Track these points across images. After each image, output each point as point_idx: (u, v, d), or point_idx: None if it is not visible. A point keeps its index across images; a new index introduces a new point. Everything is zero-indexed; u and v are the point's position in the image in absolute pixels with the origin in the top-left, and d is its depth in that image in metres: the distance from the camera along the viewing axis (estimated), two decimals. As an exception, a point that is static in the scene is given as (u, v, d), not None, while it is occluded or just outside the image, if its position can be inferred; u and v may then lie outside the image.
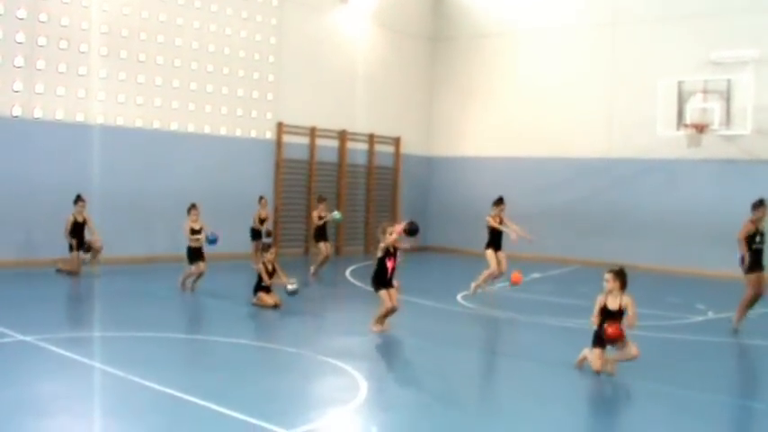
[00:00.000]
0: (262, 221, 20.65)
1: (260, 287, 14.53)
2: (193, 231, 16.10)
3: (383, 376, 10.04)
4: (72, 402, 8.10)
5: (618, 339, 9.97)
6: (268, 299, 14.33)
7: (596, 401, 9.44)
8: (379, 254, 12.58)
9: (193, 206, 16.40)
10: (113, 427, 7.40)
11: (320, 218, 19.56)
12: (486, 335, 13.80)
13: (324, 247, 19.28)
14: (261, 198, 20.90)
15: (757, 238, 13.53)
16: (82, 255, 17.40)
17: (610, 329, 9.94)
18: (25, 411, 7.67)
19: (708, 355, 12.24)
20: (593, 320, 10.26)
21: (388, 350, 11.41)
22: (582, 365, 10.26)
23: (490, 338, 13.57)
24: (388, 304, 12.35)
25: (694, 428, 8.25)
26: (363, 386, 9.06)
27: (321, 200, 20.29)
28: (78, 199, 17.39)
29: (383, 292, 12.42)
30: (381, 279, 12.50)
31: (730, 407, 9.43)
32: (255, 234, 20.53)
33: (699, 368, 11.25)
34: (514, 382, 10.05)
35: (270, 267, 14.61)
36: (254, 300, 14.46)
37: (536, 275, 21.04)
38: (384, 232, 12.62)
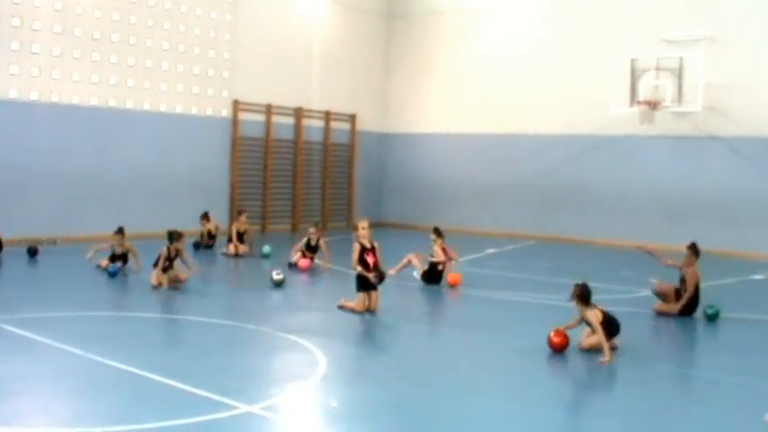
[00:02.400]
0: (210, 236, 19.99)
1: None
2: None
3: (342, 352, 10.15)
4: (32, 382, 8.12)
5: (560, 349, 10.08)
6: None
7: (552, 371, 9.63)
8: (355, 254, 12.56)
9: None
10: (75, 406, 7.45)
11: (239, 232, 19.22)
12: (442, 310, 13.97)
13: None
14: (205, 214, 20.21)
15: None
16: None
17: (554, 339, 10.10)
18: (-14, 391, 7.72)
19: (653, 327, 12.52)
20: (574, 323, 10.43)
21: (346, 326, 11.52)
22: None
23: (446, 313, 13.75)
24: (360, 308, 12.30)
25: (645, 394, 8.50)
26: (323, 361, 9.20)
27: (240, 212, 20.13)
28: None
29: (362, 295, 12.39)
30: (364, 279, 12.43)
31: (670, 375, 9.70)
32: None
33: (643, 339, 11.56)
34: (471, 356, 10.21)
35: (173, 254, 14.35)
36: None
37: (492, 251, 21.23)
38: (355, 229, 12.78)
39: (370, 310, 12.35)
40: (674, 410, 8.25)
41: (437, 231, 15.86)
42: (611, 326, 10.22)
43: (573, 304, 10.35)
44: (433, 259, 15.45)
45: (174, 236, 14.39)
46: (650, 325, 12.64)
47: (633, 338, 10.77)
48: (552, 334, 10.14)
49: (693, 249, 13.24)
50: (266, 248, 18.80)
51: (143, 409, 7.32)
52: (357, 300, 12.36)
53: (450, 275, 15.31)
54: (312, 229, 17.73)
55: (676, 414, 8.16)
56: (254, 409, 7.38)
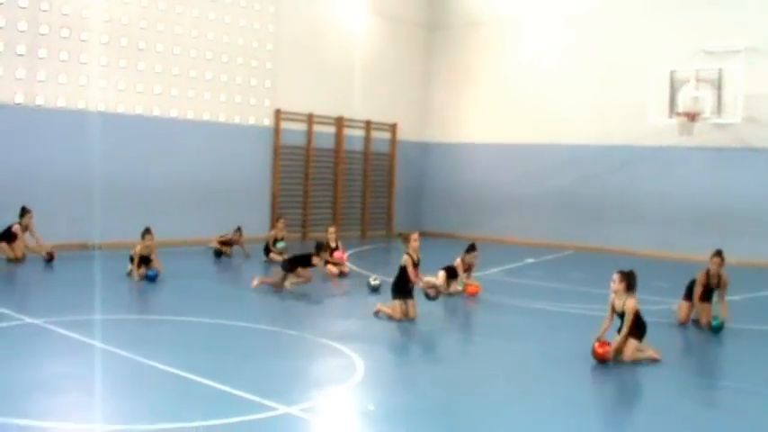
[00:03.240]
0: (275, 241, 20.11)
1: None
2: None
3: (380, 357, 10.38)
4: (81, 381, 8.45)
5: (603, 360, 10.14)
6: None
7: (591, 384, 9.78)
8: (403, 263, 12.67)
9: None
10: (121, 404, 7.74)
11: (275, 240, 19.52)
12: (478, 319, 14.12)
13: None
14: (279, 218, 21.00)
15: None
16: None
17: (599, 350, 10.17)
18: (39, 389, 8.05)
19: (686, 338, 12.61)
20: (606, 322, 10.55)
21: (385, 333, 11.72)
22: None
23: (485, 323, 13.86)
24: (398, 315, 12.45)
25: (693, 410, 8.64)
26: (361, 366, 9.42)
27: (278, 218, 20.57)
28: (24, 211, 17.33)
29: (398, 302, 12.56)
30: (401, 286, 12.60)
31: (706, 387, 9.81)
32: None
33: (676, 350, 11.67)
34: (507, 364, 10.36)
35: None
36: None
37: (530, 260, 21.34)
38: (407, 240, 12.78)
39: (408, 318, 12.52)
40: (709, 420, 8.38)
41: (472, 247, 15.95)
42: (640, 325, 10.39)
43: (613, 290, 10.48)
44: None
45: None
46: (683, 336, 12.73)
47: (666, 349, 10.88)
48: (596, 345, 10.21)
49: (720, 255, 13.41)
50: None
51: (186, 408, 7.59)
52: (394, 306, 12.54)
53: (469, 287, 15.42)
54: (332, 229, 17.81)
55: (712, 424, 8.29)
56: (293, 410, 7.62)
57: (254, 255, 19.65)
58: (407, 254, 12.65)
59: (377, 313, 12.72)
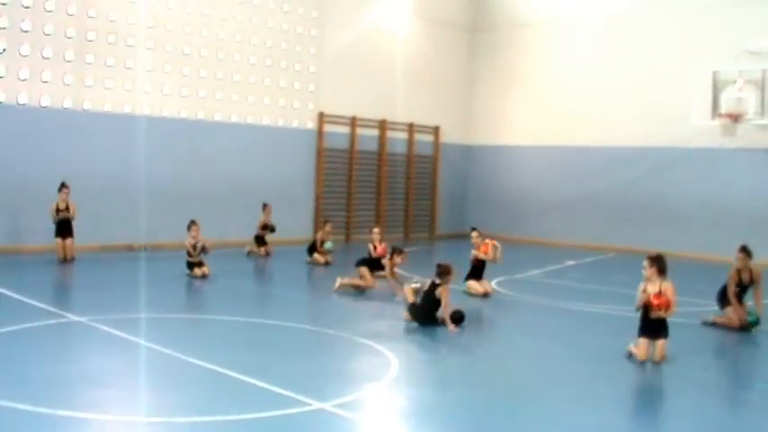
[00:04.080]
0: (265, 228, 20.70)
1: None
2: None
3: (415, 356, 10.57)
4: (124, 376, 8.72)
5: (663, 308, 10.22)
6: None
7: (623, 387, 9.84)
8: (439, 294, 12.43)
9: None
10: (162, 398, 7.98)
11: (321, 242, 19.58)
12: (518, 320, 14.15)
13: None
14: (265, 205, 20.99)
15: None
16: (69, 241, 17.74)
17: (656, 300, 10.24)
18: (83, 383, 8.35)
19: (729, 342, 12.61)
20: (638, 306, 10.53)
21: (420, 332, 11.86)
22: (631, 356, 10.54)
23: (522, 323, 13.88)
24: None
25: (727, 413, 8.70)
26: (395, 365, 9.59)
27: (326, 222, 20.72)
28: (62, 186, 17.53)
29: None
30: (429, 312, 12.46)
31: (742, 388, 9.85)
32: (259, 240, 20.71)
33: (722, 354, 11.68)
34: (542, 363, 10.47)
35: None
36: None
37: (571, 262, 21.36)
38: (448, 273, 12.49)
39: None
40: (736, 420, 8.43)
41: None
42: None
43: (646, 276, 10.50)
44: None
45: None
46: (720, 338, 12.74)
47: (698, 350, 10.92)
48: (653, 297, 10.29)
49: (746, 251, 13.38)
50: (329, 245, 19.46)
51: (223, 403, 7.82)
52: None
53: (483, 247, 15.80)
54: (376, 229, 17.81)
55: (738, 424, 8.35)
56: (327, 406, 7.80)
57: (293, 255, 19.88)
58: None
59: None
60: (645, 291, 10.43)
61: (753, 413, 8.73)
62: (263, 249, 20.28)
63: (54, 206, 17.42)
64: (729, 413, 8.73)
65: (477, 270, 15.57)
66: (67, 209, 17.47)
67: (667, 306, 10.23)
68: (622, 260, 22.78)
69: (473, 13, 29.22)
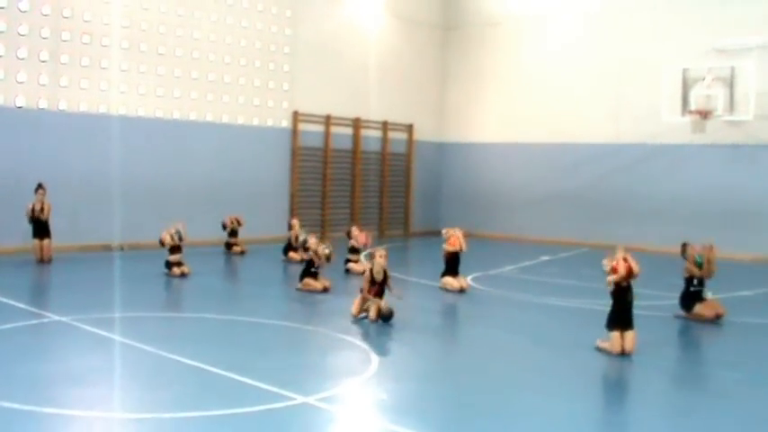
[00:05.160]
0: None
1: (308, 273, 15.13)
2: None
3: (394, 351, 10.78)
4: (108, 374, 8.84)
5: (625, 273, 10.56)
6: (316, 284, 14.98)
7: (594, 378, 10.07)
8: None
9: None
10: (147, 395, 8.12)
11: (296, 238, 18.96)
12: (494, 315, 14.32)
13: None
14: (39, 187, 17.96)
15: None
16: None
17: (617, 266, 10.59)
18: (69, 381, 8.48)
19: (700, 333, 12.88)
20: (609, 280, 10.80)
21: (398, 328, 12.02)
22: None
23: (498, 318, 14.06)
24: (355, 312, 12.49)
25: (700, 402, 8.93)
26: (375, 360, 9.79)
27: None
28: (39, 187, 17.41)
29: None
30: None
31: (718, 378, 10.10)
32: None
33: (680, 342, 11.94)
34: (519, 359, 10.68)
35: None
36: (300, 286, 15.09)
37: (545, 258, 21.60)
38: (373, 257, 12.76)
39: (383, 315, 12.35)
40: (707, 407, 8.68)
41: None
42: None
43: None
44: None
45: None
46: (689, 329, 13.00)
47: (672, 341, 11.17)
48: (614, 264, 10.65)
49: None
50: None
51: (210, 398, 7.97)
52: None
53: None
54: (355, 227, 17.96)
55: (709, 411, 8.59)
56: (310, 400, 7.98)
57: (269, 254, 19.99)
58: (370, 270, 12.69)
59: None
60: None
61: (719, 401, 8.95)
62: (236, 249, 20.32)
63: (30, 207, 17.43)
64: (694, 401, 8.96)
65: (452, 265, 15.73)
66: (42, 210, 17.46)
67: (629, 270, 10.57)
68: (595, 255, 22.87)
69: (445, 10, 29.42)
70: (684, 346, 12.30)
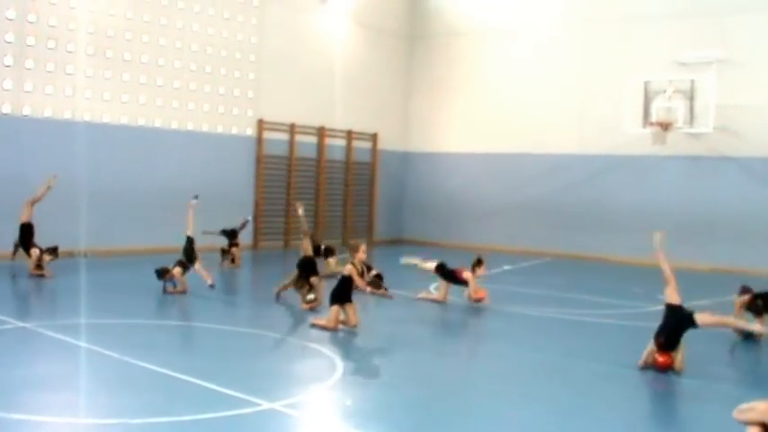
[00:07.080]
0: None
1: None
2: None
3: (359, 358, 10.85)
4: (75, 380, 8.84)
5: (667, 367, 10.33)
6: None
7: (562, 382, 10.21)
8: (347, 273, 12.49)
9: None
10: (115, 401, 8.13)
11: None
12: (456, 322, 14.53)
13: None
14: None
15: None
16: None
17: (660, 359, 10.36)
18: (35, 387, 8.46)
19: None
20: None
21: (363, 336, 12.11)
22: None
23: (460, 325, 14.30)
24: (332, 325, 12.16)
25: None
26: (340, 366, 9.87)
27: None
28: None
29: (333, 309, 12.28)
30: (341, 294, 12.36)
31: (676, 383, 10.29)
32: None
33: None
34: (484, 365, 10.83)
35: None
36: None
37: (508, 267, 21.78)
38: (354, 250, 12.71)
39: (348, 326, 12.34)
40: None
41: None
42: None
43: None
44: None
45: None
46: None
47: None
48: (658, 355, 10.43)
49: None
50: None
51: (178, 404, 8.02)
52: (329, 318, 12.30)
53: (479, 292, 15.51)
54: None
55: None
56: (277, 405, 8.05)
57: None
58: (352, 264, 12.54)
59: (313, 326, 12.46)
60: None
61: (690, 405, 9.12)
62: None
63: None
64: (663, 405, 9.13)
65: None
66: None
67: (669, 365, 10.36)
68: (558, 265, 23.32)
69: (411, 20, 29.60)
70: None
